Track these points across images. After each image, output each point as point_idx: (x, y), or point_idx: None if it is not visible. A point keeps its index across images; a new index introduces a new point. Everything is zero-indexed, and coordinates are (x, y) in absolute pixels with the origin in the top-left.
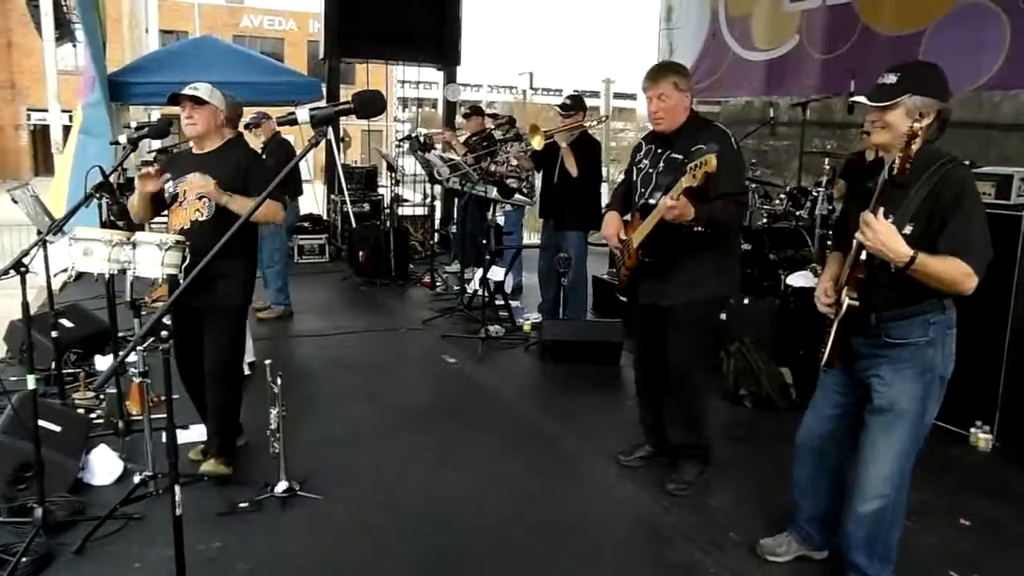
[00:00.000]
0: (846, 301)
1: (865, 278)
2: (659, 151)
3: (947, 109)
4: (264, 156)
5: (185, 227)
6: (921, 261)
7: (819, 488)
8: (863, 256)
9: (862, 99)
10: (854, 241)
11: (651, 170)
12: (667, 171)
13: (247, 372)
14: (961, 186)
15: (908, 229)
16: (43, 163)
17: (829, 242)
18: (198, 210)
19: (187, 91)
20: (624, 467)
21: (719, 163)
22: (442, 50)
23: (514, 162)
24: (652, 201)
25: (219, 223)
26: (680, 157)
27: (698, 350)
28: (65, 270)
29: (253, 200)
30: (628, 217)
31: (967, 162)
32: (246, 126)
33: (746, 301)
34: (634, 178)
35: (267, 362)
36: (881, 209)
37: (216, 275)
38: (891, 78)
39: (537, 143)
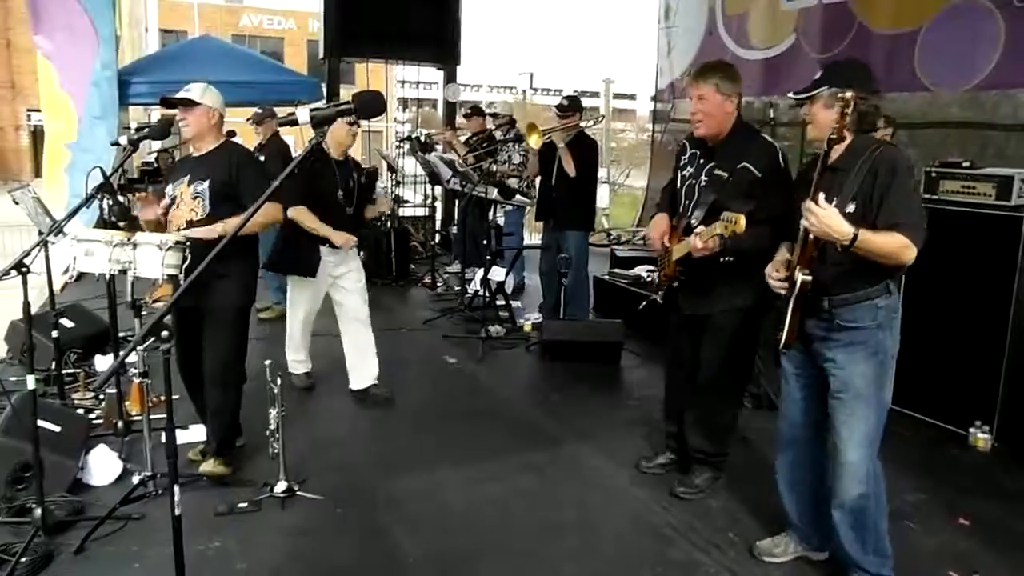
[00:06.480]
0: (799, 278)
1: (816, 257)
2: (702, 161)
3: (862, 99)
4: (263, 158)
5: (182, 227)
6: (863, 238)
7: (802, 482)
8: (811, 237)
9: (789, 94)
10: (801, 226)
11: (694, 181)
12: (710, 187)
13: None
14: (893, 165)
15: (851, 208)
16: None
17: None
18: (193, 210)
19: (180, 94)
20: (623, 467)
21: (759, 188)
22: (442, 50)
23: (517, 159)
24: (694, 221)
25: (215, 223)
26: (724, 175)
27: (731, 359)
28: (67, 270)
29: (238, 219)
30: (675, 223)
31: (965, 162)
32: (248, 120)
33: None
34: (678, 185)
35: (267, 362)
36: (822, 194)
37: (216, 276)
38: (817, 74)
39: (534, 142)
